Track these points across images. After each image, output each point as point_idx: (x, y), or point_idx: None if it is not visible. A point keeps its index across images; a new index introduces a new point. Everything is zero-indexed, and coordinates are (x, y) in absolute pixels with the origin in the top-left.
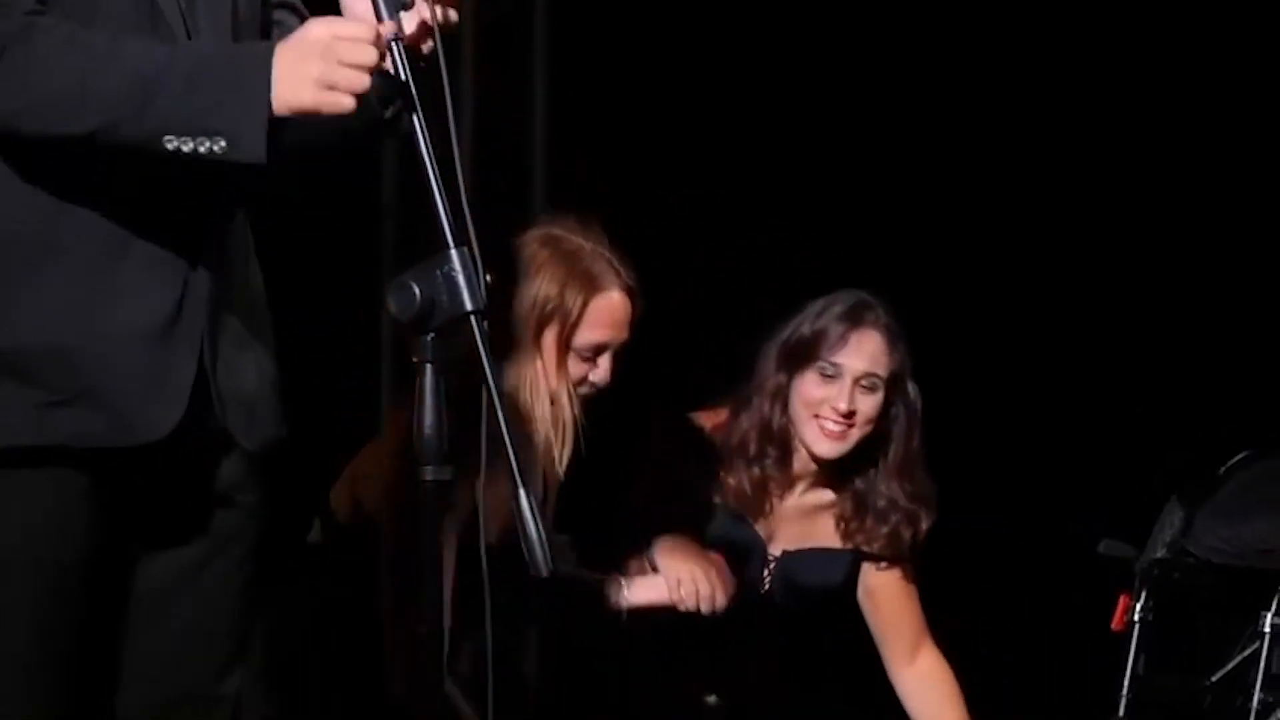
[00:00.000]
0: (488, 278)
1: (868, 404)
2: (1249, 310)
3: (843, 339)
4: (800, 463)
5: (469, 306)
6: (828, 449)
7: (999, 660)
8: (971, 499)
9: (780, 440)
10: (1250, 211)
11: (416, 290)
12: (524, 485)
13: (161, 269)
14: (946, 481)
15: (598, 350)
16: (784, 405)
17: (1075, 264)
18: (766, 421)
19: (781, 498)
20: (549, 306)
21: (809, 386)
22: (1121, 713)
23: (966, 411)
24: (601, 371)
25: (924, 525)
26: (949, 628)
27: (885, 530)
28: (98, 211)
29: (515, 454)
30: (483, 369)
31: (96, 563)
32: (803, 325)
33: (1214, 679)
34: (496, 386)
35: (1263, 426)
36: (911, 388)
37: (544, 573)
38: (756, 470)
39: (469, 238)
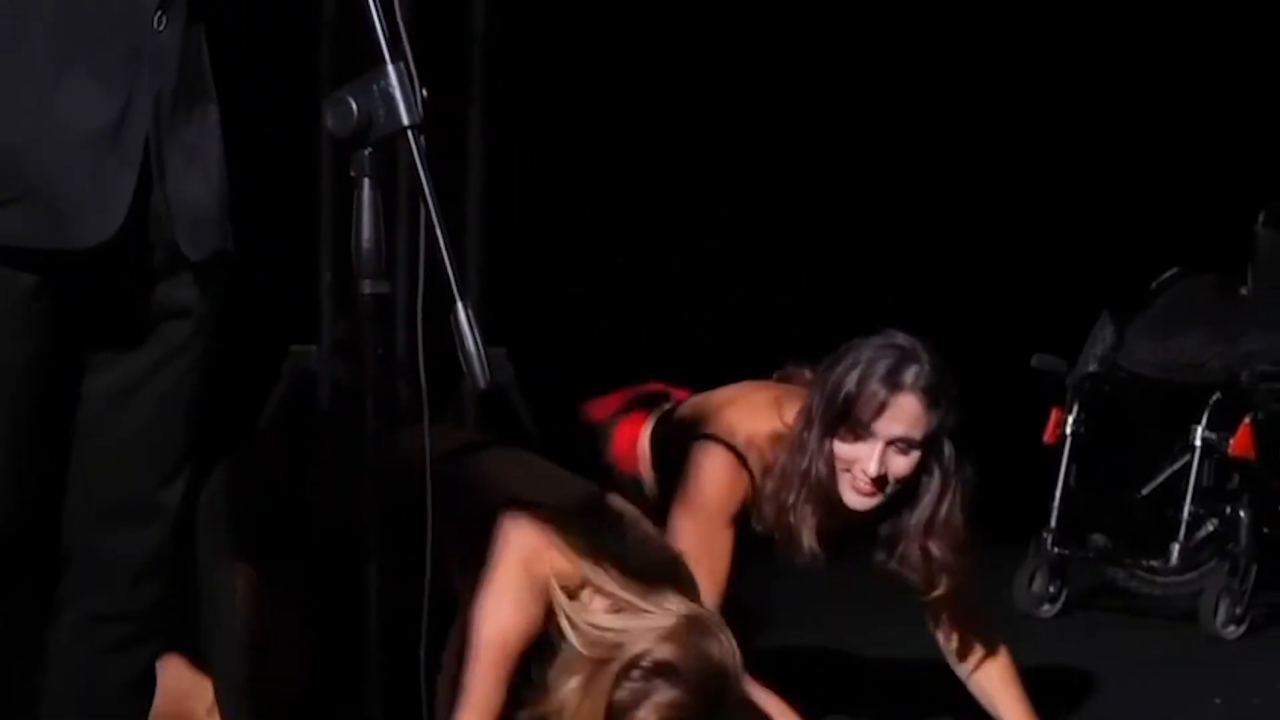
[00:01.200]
0: (423, 92)
1: (900, 465)
2: (1176, 132)
3: (882, 405)
4: (838, 506)
5: (405, 121)
6: (859, 503)
7: None
8: (909, 313)
9: (818, 491)
10: (1177, 30)
11: (354, 105)
12: (461, 298)
13: (108, 78)
14: (887, 299)
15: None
16: (827, 459)
17: (1010, 86)
18: (806, 473)
19: (815, 530)
20: None
21: (843, 445)
22: (1053, 524)
23: (907, 230)
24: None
25: (943, 586)
26: None
27: (912, 574)
28: (44, 18)
29: (453, 270)
30: (419, 185)
31: (43, 369)
32: (847, 381)
33: (1145, 491)
34: (434, 205)
35: (1191, 245)
36: (948, 448)
37: (481, 385)
38: (792, 516)
39: (405, 53)
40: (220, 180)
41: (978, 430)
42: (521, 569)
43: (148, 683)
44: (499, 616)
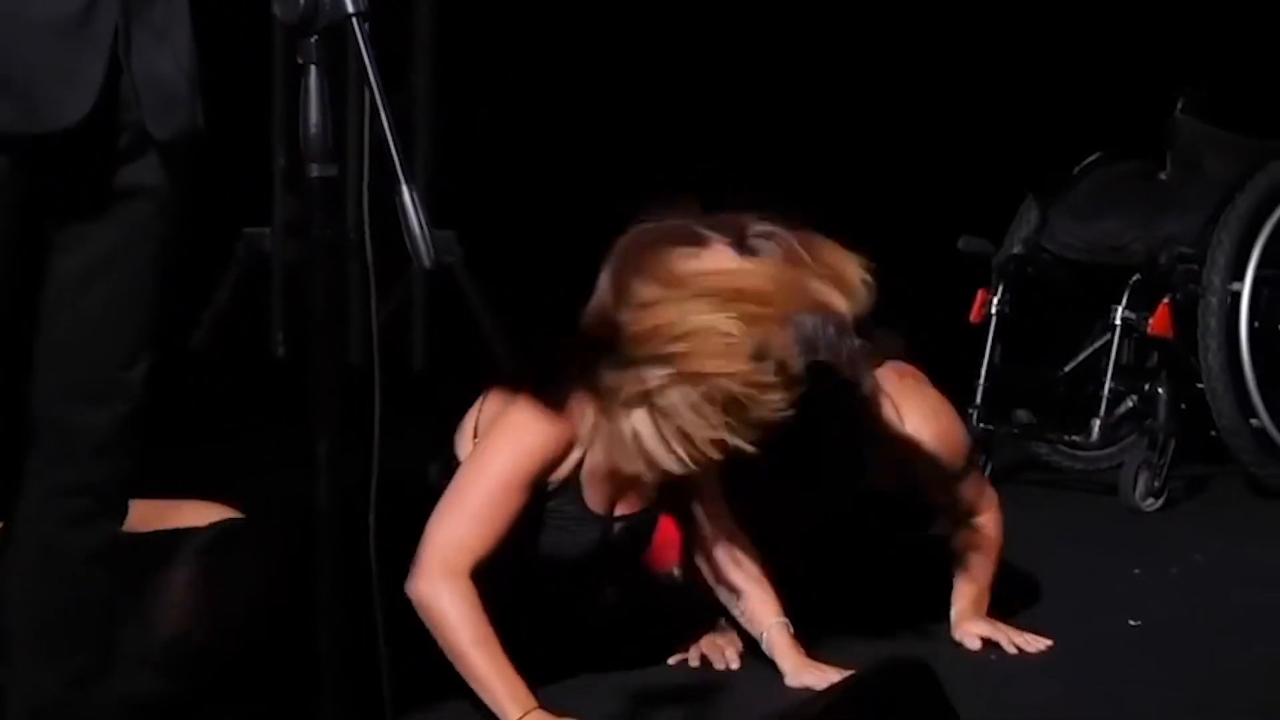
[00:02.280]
0: None
1: None
2: (1104, 14)
3: None
4: None
5: (350, 9)
6: None
7: None
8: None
9: None
10: None
11: None
12: (406, 180)
13: None
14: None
15: None
16: None
17: None
18: None
19: None
20: None
21: None
22: (978, 400)
23: (837, 118)
24: None
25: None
26: None
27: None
28: None
29: (397, 153)
30: (364, 71)
31: (11, 249)
32: None
33: (1067, 369)
34: (379, 90)
35: (1114, 129)
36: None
37: (426, 264)
38: None
39: None
40: (189, 60)
41: (906, 311)
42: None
43: (109, 555)
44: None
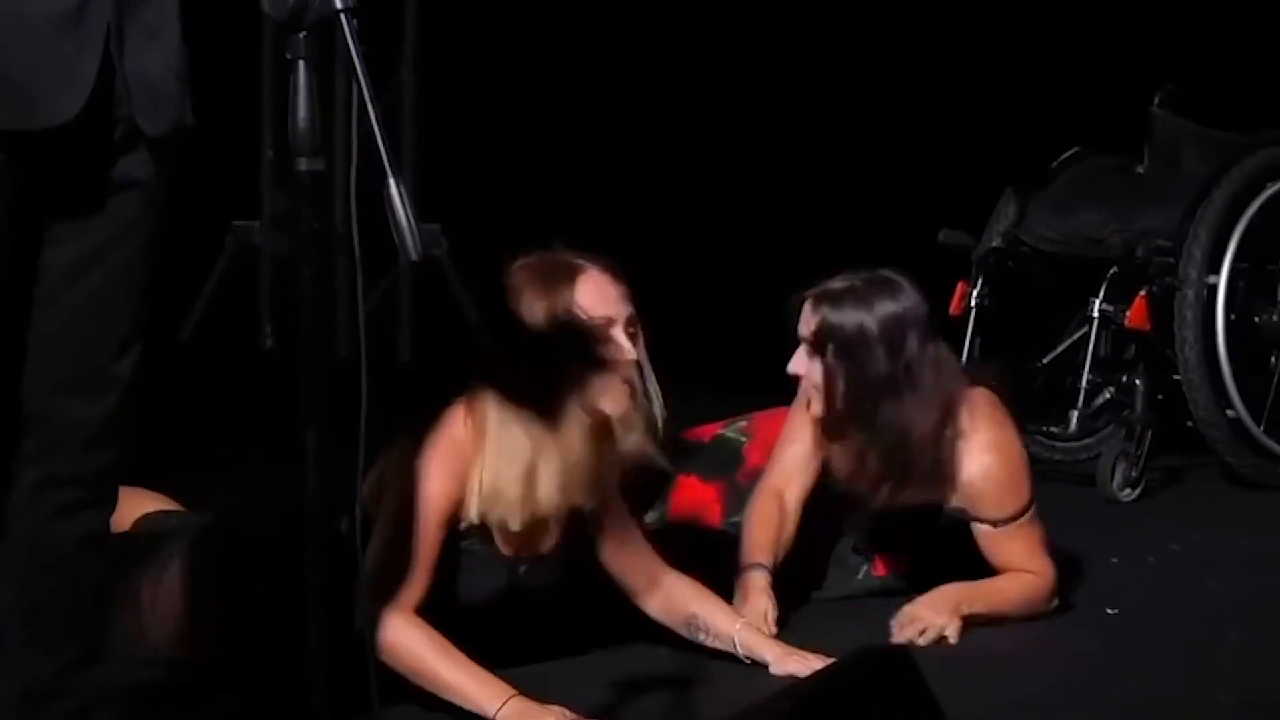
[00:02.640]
0: None
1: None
2: (1084, 12)
3: None
4: None
5: (338, 5)
6: None
7: None
8: (817, 188)
9: None
10: None
11: None
12: (393, 175)
13: None
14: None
15: (609, 326)
16: None
17: None
18: None
19: None
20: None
21: None
22: None
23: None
24: (624, 346)
25: None
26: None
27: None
28: None
29: (385, 147)
30: (352, 67)
31: (7, 243)
32: None
33: (1045, 361)
34: (367, 86)
35: (1092, 124)
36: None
37: (413, 256)
38: None
39: None
40: (179, 57)
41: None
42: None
43: (97, 544)
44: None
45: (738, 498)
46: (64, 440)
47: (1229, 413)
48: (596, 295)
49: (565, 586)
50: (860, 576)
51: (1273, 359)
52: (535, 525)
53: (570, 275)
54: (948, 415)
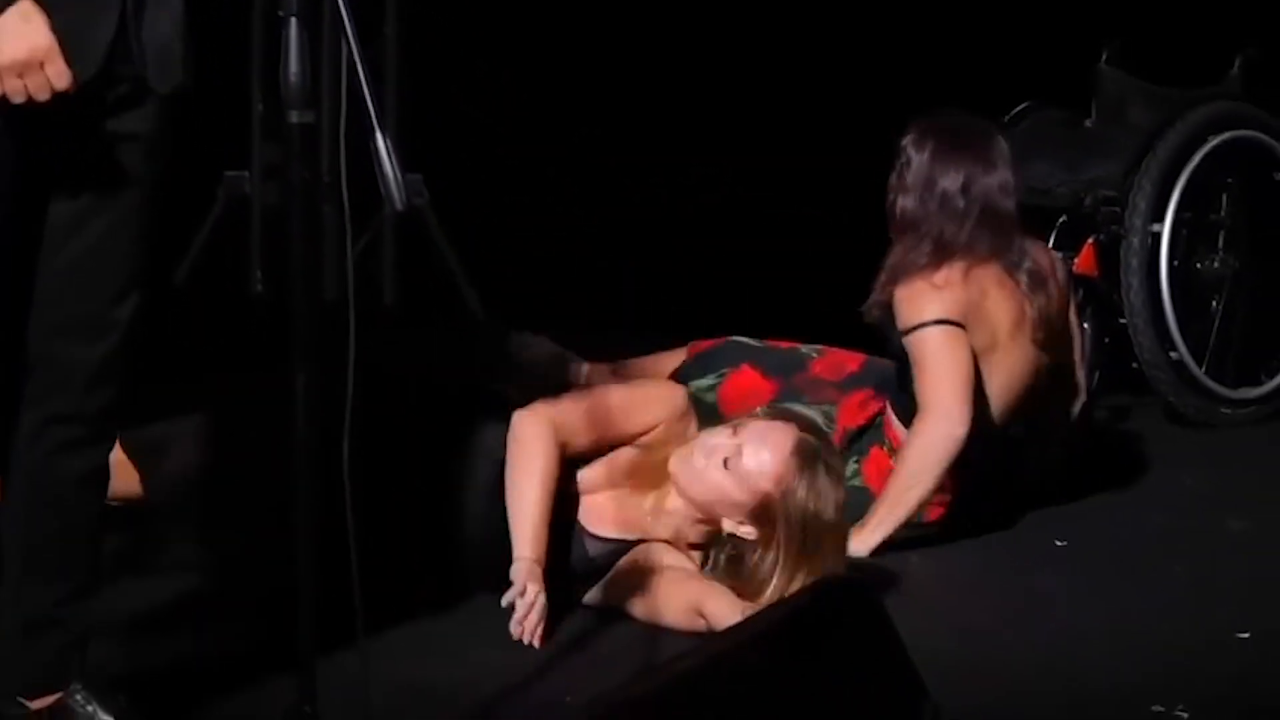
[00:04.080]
0: None
1: None
2: None
3: None
4: None
5: None
6: None
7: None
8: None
9: None
10: None
11: None
12: (379, 128)
13: None
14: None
15: None
16: None
17: None
18: None
19: None
20: None
21: None
22: None
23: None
24: None
25: None
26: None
27: None
28: None
29: (372, 101)
30: (340, 23)
31: (14, 194)
32: None
33: None
34: (354, 41)
35: (1042, 80)
36: None
37: (398, 206)
38: None
39: None
40: (181, 13)
41: (852, 247)
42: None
43: (98, 481)
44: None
45: (791, 395)
46: (66, 381)
47: (1172, 355)
48: None
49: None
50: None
51: (1214, 303)
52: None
53: None
54: (937, 247)
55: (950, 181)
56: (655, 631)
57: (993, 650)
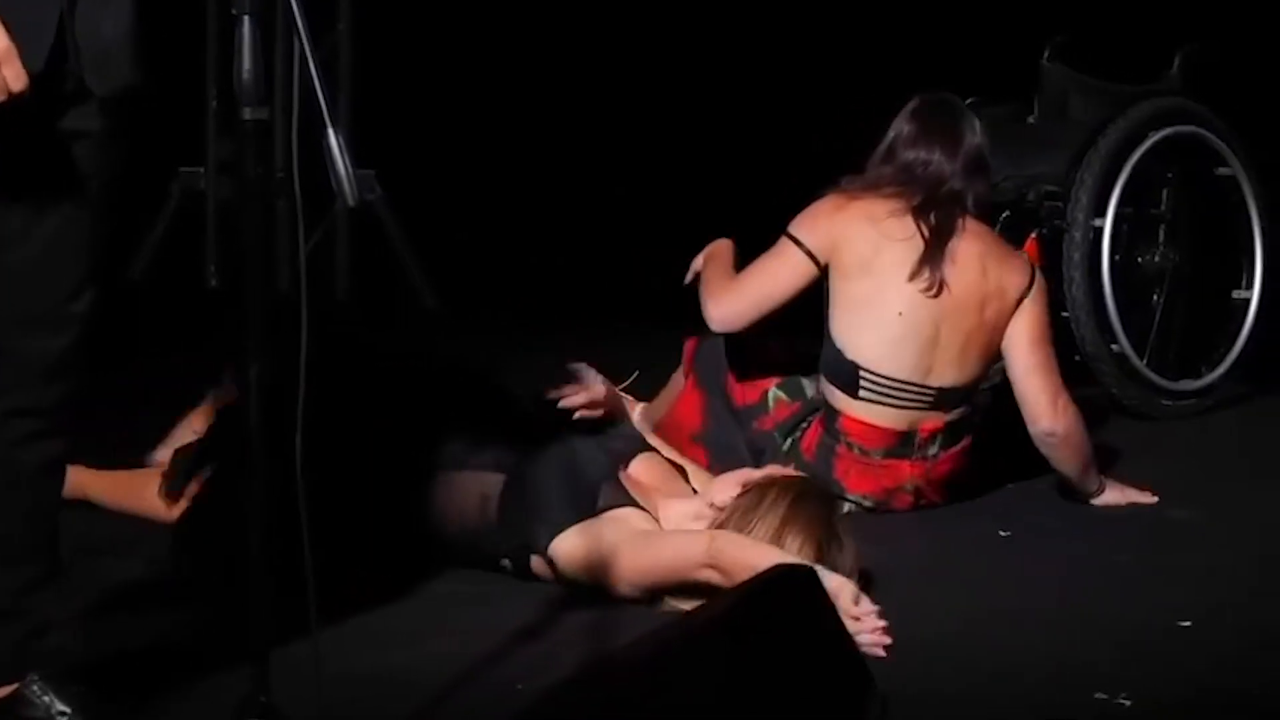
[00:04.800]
0: None
1: None
2: None
3: None
4: None
5: None
6: None
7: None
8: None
9: None
10: None
11: None
12: (332, 123)
13: None
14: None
15: None
16: None
17: None
18: None
19: None
20: None
21: None
22: None
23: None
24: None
25: None
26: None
27: None
28: None
29: (324, 98)
30: (293, 21)
31: None
32: None
33: None
34: (307, 39)
35: (986, 76)
36: None
37: (350, 202)
38: None
39: None
40: (131, 19)
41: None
42: None
43: (57, 471)
44: None
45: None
46: (25, 374)
47: (1114, 347)
48: None
49: None
50: None
51: (1155, 296)
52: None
53: None
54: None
55: (913, 154)
56: (609, 620)
57: (936, 638)
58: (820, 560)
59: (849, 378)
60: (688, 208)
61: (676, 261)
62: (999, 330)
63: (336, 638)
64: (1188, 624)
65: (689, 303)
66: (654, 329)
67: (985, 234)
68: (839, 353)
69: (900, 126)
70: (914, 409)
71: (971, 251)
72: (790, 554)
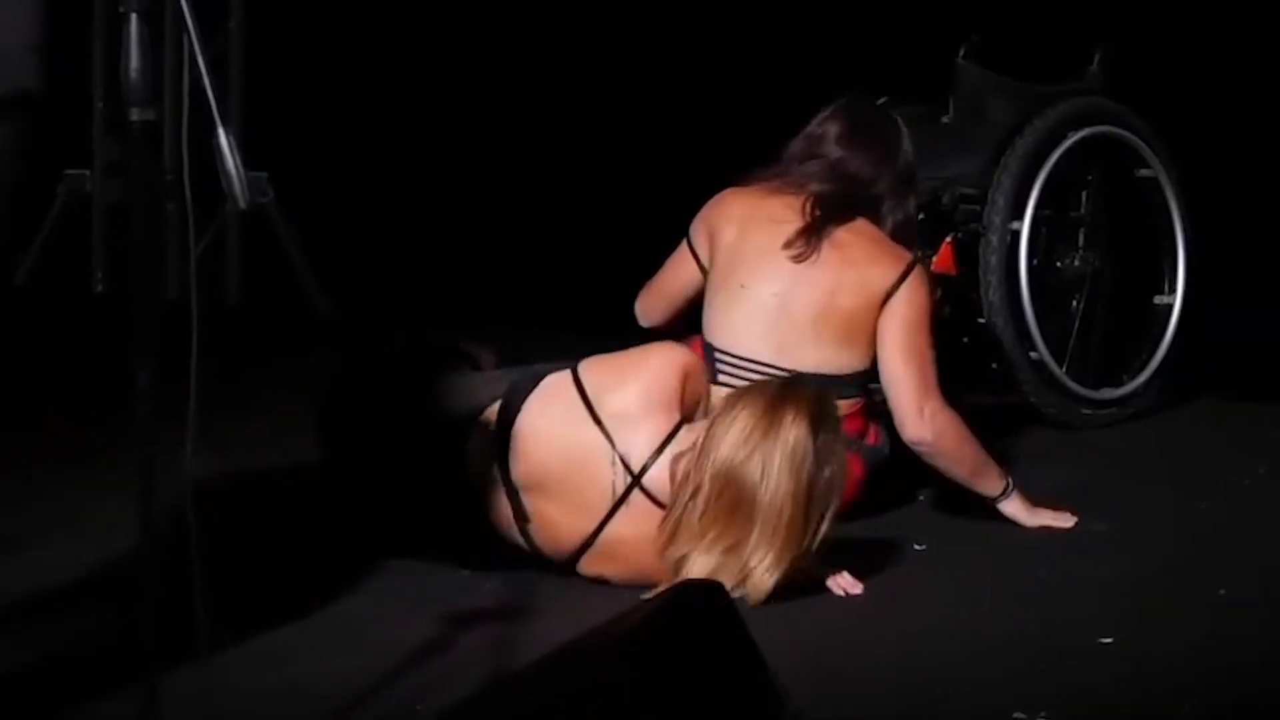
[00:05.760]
0: None
1: None
2: None
3: None
4: None
5: None
6: None
7: None
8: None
9: None
10: None
11: None
12: (222, 124)
13: None
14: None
15: None
16: None
17: None
18: None
19: None
20: None
21: None
22: None
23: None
24: None
25: None
26: None
27: None
28: None
29: (214, 98)
30: (182, 19)
31: None
32: None
33: None
34: (196, 37)
35: (899, 74)
36: None
37: (241, 205)
38: None
39: None
40: (30, 25)
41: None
42: None
43: None
44: None
45: None
46: None
47: (1032, 355)
48: None
49: None
50: None
51: (1074, 302)
52: None
53: None
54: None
55: (841, 153)
56: (514, 637)
57: (852, 654)
58: (814, 434)
59: (710, 362)
60: (604, 210)
61: (590, 265)
62: (862, 325)
63: (234, 655)
64: (1108, 640)
65: (600, 307)
66: (549, 331)
67: (870, 231)
68: (707, 342)
69: (827, 125)
70: None
71: (844, 238)
72: (785, 426)
